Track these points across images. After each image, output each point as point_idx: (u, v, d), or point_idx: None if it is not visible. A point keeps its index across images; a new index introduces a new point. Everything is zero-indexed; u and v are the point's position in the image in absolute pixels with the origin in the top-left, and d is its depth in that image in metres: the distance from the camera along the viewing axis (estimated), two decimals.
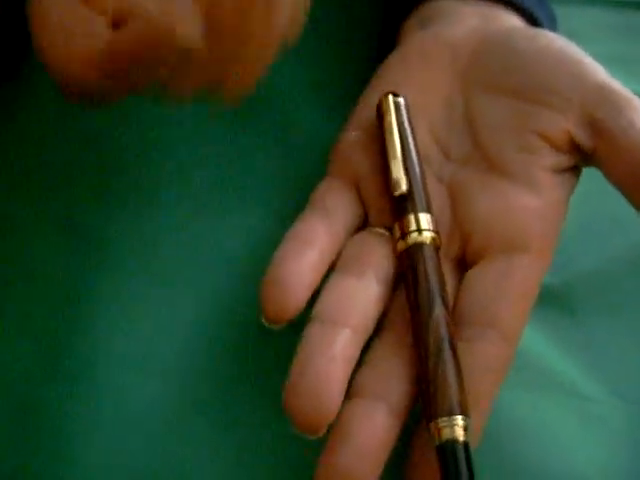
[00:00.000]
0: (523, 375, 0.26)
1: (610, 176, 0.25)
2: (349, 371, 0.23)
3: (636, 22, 0.39)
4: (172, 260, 0.28)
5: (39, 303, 0.27)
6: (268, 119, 0.32)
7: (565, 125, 0.25)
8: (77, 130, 0.32)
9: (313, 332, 0.23)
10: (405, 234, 0.24)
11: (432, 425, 0.22)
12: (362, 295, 0.24)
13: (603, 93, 0.25)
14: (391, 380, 0.23)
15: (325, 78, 0.33)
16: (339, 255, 0.25)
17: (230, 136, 0.32)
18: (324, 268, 0.25)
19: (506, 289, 0.24)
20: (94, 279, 0.27)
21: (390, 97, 0.27)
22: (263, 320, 0.23)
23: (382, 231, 0.26)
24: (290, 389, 0.22)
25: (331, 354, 0.22)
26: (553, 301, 0.28)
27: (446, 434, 0.21)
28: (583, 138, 0.25)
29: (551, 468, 0.25)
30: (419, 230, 0.24)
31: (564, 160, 0.26)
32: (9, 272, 0.28)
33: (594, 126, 0.25)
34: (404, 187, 0.25)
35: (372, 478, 0.22)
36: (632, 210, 0.24)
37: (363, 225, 0.27)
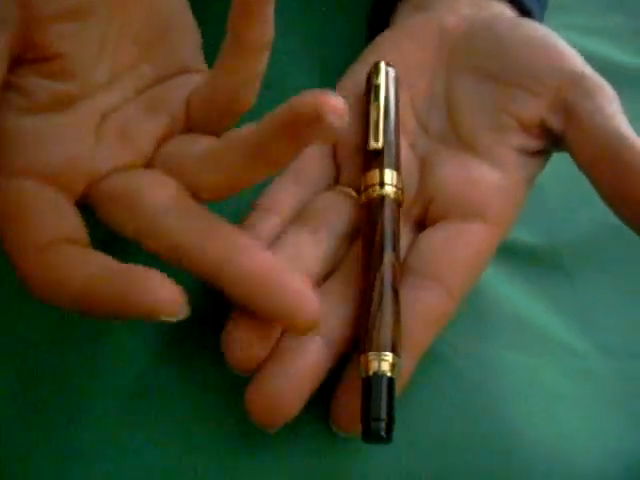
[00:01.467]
0: (513, 334, 0.28)
1: (576, 159, 0.26)
2: None
3: None
4: None
5: None
6: (263, 87, 0.34)
7: (538, 108, 0.26)
8: None
9: None
10: (368, 186, 0.26)
11: (362, 357, 0.23)
12: (312, 250, 0.25)
13: (577, 79, 0.26)
14: (331, 315, 0.24)
15: (321, 51, 0.35)
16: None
17: None
18: None
19: (455, 248, 0.25)
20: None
21: (383, 63, 0.28)
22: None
23: (347, 190, 0.27)
24: (226, 332, 0.23)
25: None
26: (543, 262, 0.30)
27: (373, 367, 0.22)
28: (554, 121, 0.26)
29: (542, 423, 0.25)
30: (382, 184, 0.26)
31: (532, 143, 0.27)
32: None
33: (565, 110, 0.26)
34: (380, 143, 0.26)
35: (298, 404, 0.23)
36: None
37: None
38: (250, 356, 0.23)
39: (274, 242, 0.25)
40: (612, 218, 0.25)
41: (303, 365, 0.23)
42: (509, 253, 0.28)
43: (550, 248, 0.31)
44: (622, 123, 0.25)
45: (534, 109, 0.26)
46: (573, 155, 0.26)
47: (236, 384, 0.24)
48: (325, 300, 0.24)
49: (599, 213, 0.30)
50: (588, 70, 0.27)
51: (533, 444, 0.25)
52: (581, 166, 0.26)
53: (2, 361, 0.26)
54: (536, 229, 0.31)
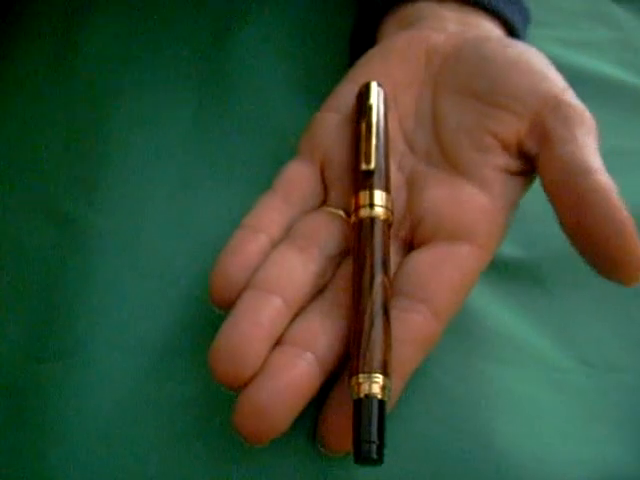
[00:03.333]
0: (494, 348, 0.28)
1: (542, 183, 0.26)
2: (274, 337, 0.24)
3: (595, 9, 0.43)
4: (154, 244, 0.30)
5: (25, 288, 0.28)
6: (250, 104, 0.34)
7: (517, 129, 0.27)
8: (61, 117, 0.34)
9: (246, 298, 0.24)
10: (359, 207, 0.26)
11: (353, 379, 0.23)
12: (301, 269, 0.25)
13: (557, 104, 0.26)
14: (321, 333, 0.24)
15: (305, 69, 0.35)
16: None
17: (212, 121, 0.34)
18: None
19: (442, 270, 0.25)
20: (78, 263, 0.29)
21: (374, 83, 0.29)
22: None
23: (336, 210, 0.27)
24: (215, 347, 0.23)
25: (257, 320, 0.24)
26: (523, 275, 0.30)
27: (364, 389, 0.23)
28: (530, 144, 0.27)
29: (524, 438, 0.26)
30: (372, 205, 0.26)
31: (514, 163, 0.27)
32: None
33: (541, 134, 0.26)
34: (372, 164, 0.27)
35: (286, 420, 0.23)
36: None
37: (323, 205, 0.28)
38: (239, 371, 0.23)
39: (263, 261, 0.25)
40: None
41: (293, 381, 0.23)
42: (489, 267, 0.28)
43: (529, 261, 0.31)
44: (591, 155, 0.25)
45: (513, 130, 0.27)
46: (541, 179, 0.26)
47: (223, 398, 0.24)
48: (314, 318, 0.25)
49: None
50: (569, 96, 0.27)
51: (514, 457, 0.25)
52: (546, 191, 0.26)
53: None
54: (515, 243, 0.31)
